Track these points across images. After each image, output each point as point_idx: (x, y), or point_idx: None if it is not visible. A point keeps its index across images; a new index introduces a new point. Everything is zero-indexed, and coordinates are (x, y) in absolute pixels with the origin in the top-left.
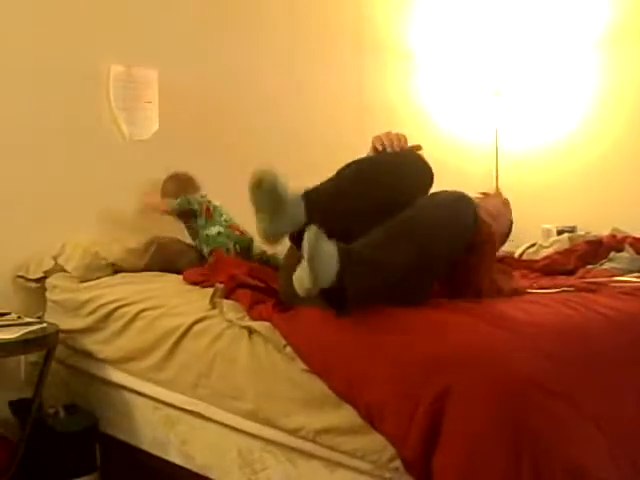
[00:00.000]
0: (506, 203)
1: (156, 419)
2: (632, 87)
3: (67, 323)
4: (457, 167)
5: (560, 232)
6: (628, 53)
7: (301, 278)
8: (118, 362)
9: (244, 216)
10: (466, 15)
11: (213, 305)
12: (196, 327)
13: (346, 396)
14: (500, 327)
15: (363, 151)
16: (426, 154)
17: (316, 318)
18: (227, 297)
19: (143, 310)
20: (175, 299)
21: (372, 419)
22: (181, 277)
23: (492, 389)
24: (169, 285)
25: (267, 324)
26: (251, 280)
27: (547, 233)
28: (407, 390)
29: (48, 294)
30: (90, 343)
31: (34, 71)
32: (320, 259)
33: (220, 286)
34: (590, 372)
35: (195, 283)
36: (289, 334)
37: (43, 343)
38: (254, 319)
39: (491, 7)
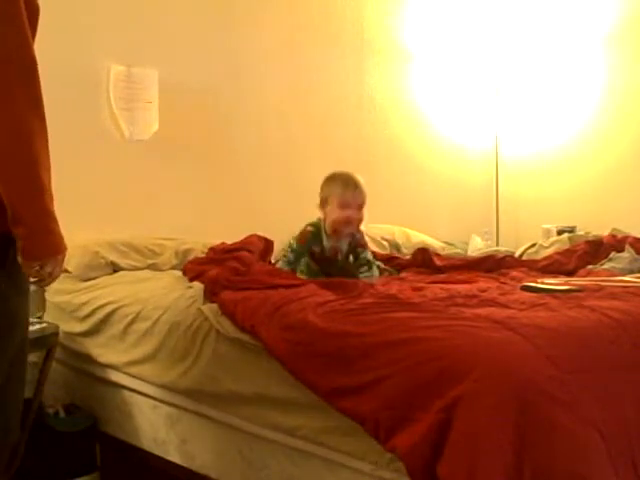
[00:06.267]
0: None
1: (156, 418)
2: (636, 88)
3: (66, 325)
4: (455, 173)
5: (560, 232)
6: (636, 52)
7: None
8: (120, 367)
9: (245, 213)
10: (467, 14)
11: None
12: (195, 328)
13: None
14: (508, 333)
15: (362, 151)
16: (424, 160)
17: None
18: (212, 301)
19: (141, 311)
20: (173, 298)
21: (377, 432)
22: (180, 273)
23: (499, 400)
24: (167, 283)
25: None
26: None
27: (547, 233)
28: (416, 401)
29: (47, 295)
30: (90, 347)
31: None
32: None
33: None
34: (595, 378)
35: (193, 278)
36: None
37: (43, 343)
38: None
39: (492, 5)
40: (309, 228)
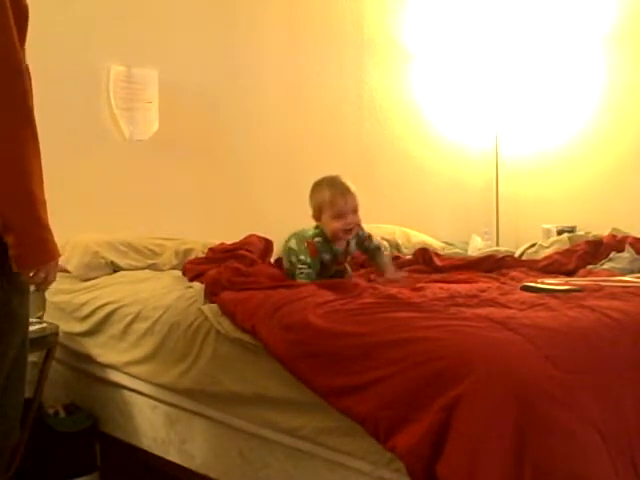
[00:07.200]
0: None
1: (156, 418)
2: (636, 88)
3: (66, 325)
4: (455, 173)
5: (560, 232)
6: (636, 52)
7: None
8: (120, 367)
9: (245, 213)
10: (467, 14)
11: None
12: (195, 328)
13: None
14: (508, 333)
15: (362, 151)
16: (424, 160)
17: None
18: (212, 301)
19: (141, 311)
20: (173, 298)
21: (377, 431)
22: (179, 273)
23: (499, 400)
24: (167, 283)
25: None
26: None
27: (547, 233)
28: (416, 401)
29: (47, 295)
30: (90, 346)
31: (34, 71)
32: None
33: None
34: (595, 378)
35: (193, 278)
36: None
37: (43, 343)
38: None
39: (492, 5)
40: (317, 239)
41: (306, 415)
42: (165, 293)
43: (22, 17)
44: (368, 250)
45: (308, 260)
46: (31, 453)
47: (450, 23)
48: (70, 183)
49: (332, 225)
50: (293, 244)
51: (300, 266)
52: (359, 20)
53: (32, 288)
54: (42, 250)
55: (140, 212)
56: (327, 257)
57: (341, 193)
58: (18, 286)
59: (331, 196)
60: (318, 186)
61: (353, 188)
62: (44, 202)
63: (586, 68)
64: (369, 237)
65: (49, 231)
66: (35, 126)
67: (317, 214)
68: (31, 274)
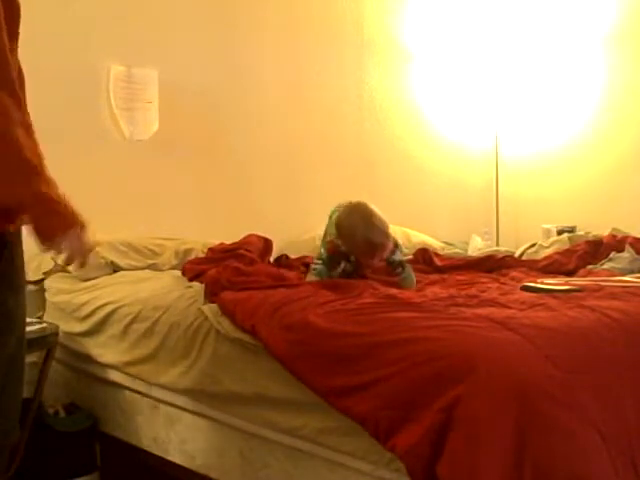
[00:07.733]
0: None
1: (156, 418)
2: (636, 88)
3: (66, 325)
4: (455, 173)
5: (560, 232)
6: (636, 52)
7: None
8: (120, 367)
9: (245, 213)
10: (467, 14)
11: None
12: (195, 328)
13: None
14: (508, 333)
15: (362, 151)
16: (424, 160)
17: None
18: (212, 301)
19: (141, 311)
20: (173, 298)
21: (377, 431)
22: (179, 273)
23: (500, 400)
24: (167, 283)
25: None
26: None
27: (547, 233)
28: (416, 401)
29: (47, 295)
30: (90, 346)
31: (34, 71)
32: None
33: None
34: (595, 377)
35: (192, 278)
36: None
37: (43, 343)
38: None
39: (492, 5)
40: (343, 248)
41: (306, 415)
42: (165, 293)
43: (14, 15)
44: (387, 262)
45: (324, 256)
46: (31, 453)
47: (450, 23)
48: (70, 183)
49: (361, 261)
50: (334, 219)
51: (315, 261)
52: (359, 20)
53: (30, 287)
54: (55, 221)
55: (140, 212)
56: (349, 269)
57: (375, 250)
58: (14, 286)
59: (364, 252)
60: (352, 227)
61: (387, 231)
62: (42, 171)
63: (586, 68)
64: (393, 250)
65: (57, 197)
66: (18, 95)
67: (345, 248)
68: (64, 255)
